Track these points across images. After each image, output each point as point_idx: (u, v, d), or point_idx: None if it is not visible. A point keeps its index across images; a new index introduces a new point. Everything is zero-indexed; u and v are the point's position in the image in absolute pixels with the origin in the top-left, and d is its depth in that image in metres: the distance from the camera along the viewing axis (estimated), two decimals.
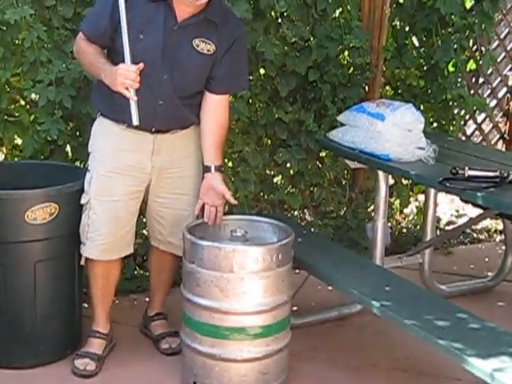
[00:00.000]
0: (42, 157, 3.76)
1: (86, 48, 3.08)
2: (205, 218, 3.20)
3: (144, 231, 3.82)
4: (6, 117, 3.78)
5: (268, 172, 4.49)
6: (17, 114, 3.81)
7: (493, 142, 5.56)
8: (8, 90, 3.73)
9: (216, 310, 2.96)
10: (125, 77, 2.86)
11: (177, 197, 3.26)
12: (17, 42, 3.60)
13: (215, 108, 3.18)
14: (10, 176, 3.43)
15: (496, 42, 5.42)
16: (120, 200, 3.14)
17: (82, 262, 3.28)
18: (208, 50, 3.07)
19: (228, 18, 3.14)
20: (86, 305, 3.54)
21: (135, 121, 2.91)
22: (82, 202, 3.19)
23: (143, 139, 3.13)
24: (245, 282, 2.95)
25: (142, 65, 2.86)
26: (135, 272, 4.07)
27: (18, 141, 3.89)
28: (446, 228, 5.19)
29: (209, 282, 2.95)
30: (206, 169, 3.21)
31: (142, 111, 2.93)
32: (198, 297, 3.00)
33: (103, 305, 3.34)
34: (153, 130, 3.12)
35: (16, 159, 3.87)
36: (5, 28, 3.53)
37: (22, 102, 3.85)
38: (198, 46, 3.05)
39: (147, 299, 3.64)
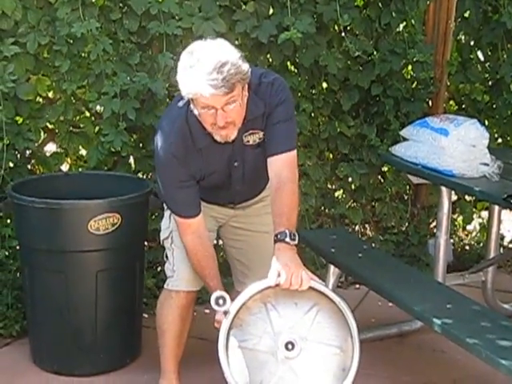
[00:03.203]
0: (105, 168, 3.81)
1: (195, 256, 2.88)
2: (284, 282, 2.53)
3: None
4: (71, 128, 3.85)
5: (329, 186, 4.47)
6: (82, 126, 3.88)
7: None
8: (74, 101, 3.80)
9: None
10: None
11: (260, 234, 3.07)
12: (83, 54, 3.68)
13: (277, 172, 2.81)
14: (74, 186, 3.50)
15: None
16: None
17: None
18: (259, 139, 2.81)
19: (271, 100, 2.77)
20: (145, 315, 3.57)
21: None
22: (163, 236, 3.05)
23: (222, 210, 3.05)
24: None
25: None
26: None
27: (83, 152, 3.96)
28: (510, 246, 5.09)
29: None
30: (274, 238, 2.66)
31: (219, 200, 2.94)
32: None
33: (177, 357, 3.09)
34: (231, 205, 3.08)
35: (80, 170, 3.93)
36: (71, 41, 3.60)
37: (87, 114, 3.92)
38: (248, 141, 2.81)
39: (207, 311, 3.63)
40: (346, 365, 2.54)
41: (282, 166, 2.77)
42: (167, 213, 3.02)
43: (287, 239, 2.59)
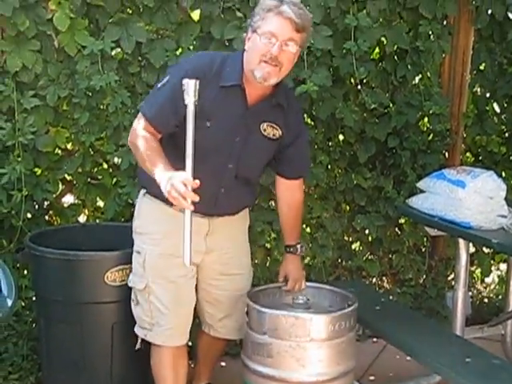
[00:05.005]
0: (122, 219, 3.82)
1: (144, 142, 2.84)
2: (288, 287, 3.23)
3: None
4: (89, 180, 3.87)
5: (346, 238, 4.46)
6: (99, 177, 3.90)
7: None
8: (92, 153, 3.83)
9: (292, 381, 2.92)
10: (176, 190, 2.56)
11: (232, 277, 3.15)
12: (101, 107, 3.71)
13: (288, 193, 3.20)
14: (91, 238, 3.51)
15: None
16: (178, 281, 3.00)
17: (138, 346, 3.14)
18: (273, 135, 2.98)
19: (292, 102, 3.06)
20: None
21: (187, 260, 2.64)
22: (139, 286, 3.03)
23: (198, 221, 2.86)
24: (322, 349, 2.91)
25: (197, 182, 2.56)
26: None
27: (100, 203, 3.97)
28: None
29: (283, 353, 2.91)
30: (286, 248, 3.28)
31: (204, 200, 2.68)
32: (270, 368, 2.95)
33: None
34: (209, 215, 3.01)
35: (97, 221, 3.94)
36: (90, 94, 3.64)
37: (105, 166, 3.94)
38: (265, 130, 2.96)
39: (193, 365, 3.57)
40: None
41: (298, 188, 3.19)
42: (139, 257, 3.02)
43: (298, 252, 3.25)
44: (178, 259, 2.78)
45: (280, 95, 2.95)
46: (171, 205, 2.79)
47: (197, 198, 2.55)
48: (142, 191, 3.09)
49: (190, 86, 2.61)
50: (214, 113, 2.84)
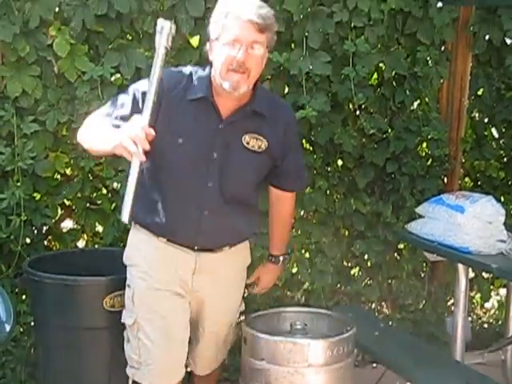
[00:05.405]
0: (121, 244, 3.81)
1: (100, 122, 2.70)
2: (255, 291, 3.26)
3: None
4: (88, 205, 3.87)
5: (345, 263, 4.45)
6: (99, 202, 3.91)
7: None
8: (91, 178, 3.83)
9: None
10: (128, 135, 2.39)
11: (220, 326, 3.01)
12: None
13: (280, 203, 3.09)
14: (90, 263, 3.50)
15: None
16: (169, 316, 2.83)
17: None
18: (259, 147, 2.77)
19: (277, 108, 2.85)
20: None
21: (125, 217, 2.43)
22: (128, 322, 2.88)
23: (184, 256, 2.80)
24: (320, 375, 2.90)
25: (152, 132, 2.42)
26: None
27: (99, 228, 3.97)
28: None
29: (281, 379, 2.90)
30: (269, 257, 3.22)
31: (184, 225, 2.67)
32: None
33: None
34: (195, 247, 2.80)
35: (96, 246, 3.94)
36: None
37: (104, 191, 3.94)
38: (248, 143, 2.74)
39: None
40: None
41: (290, 200, 3.10)
42: (129, 291, 2.89)
43: (279, 264, 3.19)
44: (167, 292, 2.78)
45: (256, 103, 2.75)
46: (158, 235, 2.76)
47: (147, 146, 2.37)
48: (132, 223, 2.91)
49: (165, 28, 2.46)
50: (185, 128, 2.69)
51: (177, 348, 2.87)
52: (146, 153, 2.41)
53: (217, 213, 2.76)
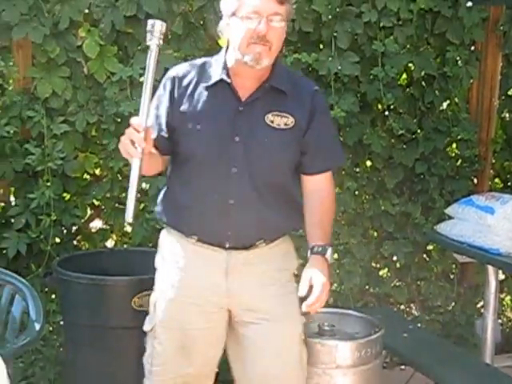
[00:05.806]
0: (150, 244, 3.83)
1: None
2: (308, 303, 2.45)
3: None
4: (117, 204, 3.89)
5: (374, 265, 4.44)
6: None
7: None
8: (120, 178, 3.85)
9: None
10: (125, 137, 2.34)
11: (264, 324, 2.63)
12: None
13: (315, 191, 2.62)
14: (119, 263, 3.51)
15: None
16: (191, 329, 2.60)
17: None
18: (286, 124, 2.53)
19: (299, 85, 2.63)
20: None
21: (129, 217, 2.39)
22: (146, 328, 2.68)
23: (216, 256, 2.57)
24: (348, 376, 2.89)
25: (150, 129, 2.40)
26: None
27: (128, 228, 3.99)
28: None
29: (309, 380, 2.89)
30: (313, 248, 2.55)
31: (211, 218, 2.49)
32: None
33: None
34: (227, 245, 2.57)
35: (125, 246, 3.96)
36: (119, 120, 3.67)
37: None
38: (272, 121, 2.53)
39: None
40: None
41: (326, 183, 2.65)
42: (153, 295, 2.71)
43: (327, 255, 2.53)
44: (199, 308, 2.58)
45: (276, 79, 2.55)
46: (187, 235, 2.59)
47: (143, 144, 2.31)
48: (162, 223, 2.78)
49: (156, 27, 2.42)
50: (203, 115, 2.54)
51: (193, 362, 2.64)
52: (157, 149, 2.44)
53: (244, 202, 2.53)
